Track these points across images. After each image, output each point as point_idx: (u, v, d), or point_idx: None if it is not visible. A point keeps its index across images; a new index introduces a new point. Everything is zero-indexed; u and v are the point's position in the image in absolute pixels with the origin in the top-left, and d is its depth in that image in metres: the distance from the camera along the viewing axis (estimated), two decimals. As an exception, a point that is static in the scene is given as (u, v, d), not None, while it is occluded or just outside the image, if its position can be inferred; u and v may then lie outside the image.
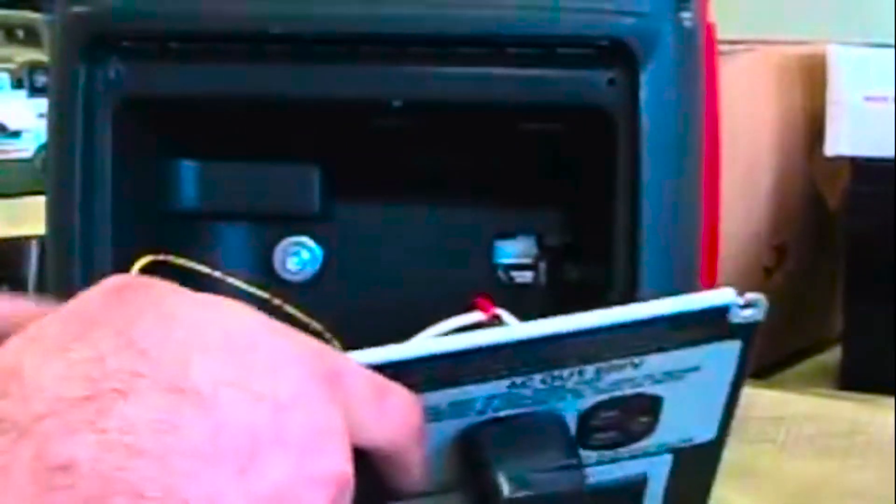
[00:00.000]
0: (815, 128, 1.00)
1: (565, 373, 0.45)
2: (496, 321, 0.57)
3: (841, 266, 1.01)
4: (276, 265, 0.71)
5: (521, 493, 0.45)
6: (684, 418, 0.49)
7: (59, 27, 0.66)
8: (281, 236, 0.71)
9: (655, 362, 0.46)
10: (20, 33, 1.51)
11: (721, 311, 0.45)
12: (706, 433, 0.50)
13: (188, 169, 0.70)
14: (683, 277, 0.63)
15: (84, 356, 0.37)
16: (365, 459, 0.42)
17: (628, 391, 0.47)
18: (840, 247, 1.02)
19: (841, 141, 0.98)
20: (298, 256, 0.71)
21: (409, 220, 0.70)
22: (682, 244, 0.63)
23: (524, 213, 0.70)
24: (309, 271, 0.71)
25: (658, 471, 0.51)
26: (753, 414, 0.85)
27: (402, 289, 0.70)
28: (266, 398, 0.38)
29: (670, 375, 0.47)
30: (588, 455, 0.49)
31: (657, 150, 0.62)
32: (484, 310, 0.57)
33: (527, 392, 0.46)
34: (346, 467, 0.40)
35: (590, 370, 0.46)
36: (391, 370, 0.43)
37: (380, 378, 0.43)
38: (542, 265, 0.70)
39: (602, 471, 0.50)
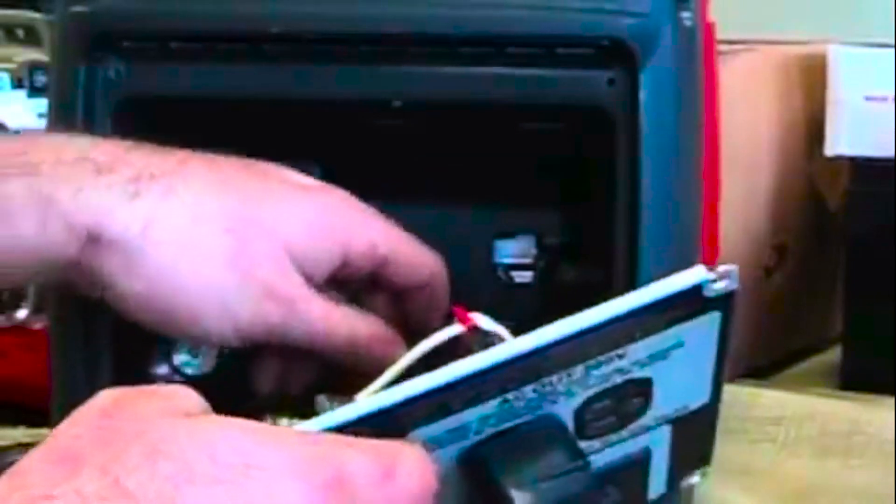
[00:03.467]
0: (815, 128, 1.00)
1: (554, 378, 0.46)
2: (475, 331, 0.57)
3: (841, 266, 1.01)
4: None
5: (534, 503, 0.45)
6: (676, 391, 0.50)
7: (59, 27, 0.66)
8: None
9: (639, 348, 0.47)
10: (20, 33, 1.51)
11: (696, 290, 0.46)
12: (700, 398, 0.51)
13: (188, 169, 0.70)
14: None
15: (68, 503, 0.37)
16: None
17: (617, 380, 0.47)
18: (840, 247, 1.02)
19: (841, 141, 0.98)
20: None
21: (409, 220, 0.70)
22: (681, 244, 0.63)
23: (524, 213, 0.69)
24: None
25: (660, 442, 0.52)
26: (753, 414, 0.85)
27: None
28: None
29: (656, 357, 0.47)
30: (589, 444, 0.49)
31: (657, 149, 0.62)
32: (462, 321, 0.57)
33: (520, 404, 0.46)
34: None
35: (578, 370, 0.46)
36: (383, 416, 0.43)
37: (383, 454, 0.42)
38: (542, 265, 0.70)
39: (606, 454, 0.50)
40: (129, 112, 0.65)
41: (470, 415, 0.45)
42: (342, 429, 0.43)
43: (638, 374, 0.48)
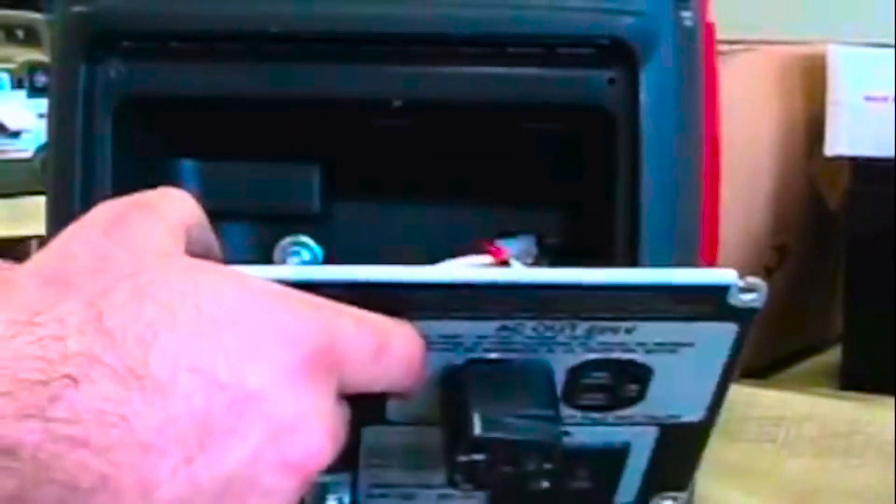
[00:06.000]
0: (815, 128, 1.00)
1: (557, 325, 0.45)
2: (505, 265, 0.58)
3: (841, 266, 1.01)
4: (276, 265, 0.71)
5: (491, 434, 0.45)
6: (673, 394, 0.49)
7: (59, 27, 0.66)
8: (281, 236, 0.71)
9: (649, 330, 0.46)
10: (20, 33, 1.51)
11: (721, 290, 0.46)
12: (694, 413, 0.50)
13: (188, 168, 0.70)
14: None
15: (48, 332, 0.37)
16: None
17: (619, 355, 0.47)
18: (840, 247, 1.02)
19: (841, 141, 0.98)
20: (298, 256, 0.71)
21: (409, 220, 0.70)
22: (682, 244, 0.63)
23: (524, 212, 0.69)
24: (309, 271, 0.71)
25: (642, 442, 0.51)
26: (753, 414, 0.85)
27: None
28: (227, 387, 0.38)
29: (663, 346, 0.47)
30: (573, 414, 0.49)
31: (657, 149, 0.62)
32: (495, 255, 0.58)
33: (517, 338, 0.46)
34: (317, 453, 0.40)
35: (582, 327, 0.46)
36: (388, 291, 0.43)
37: (378, 330, 0.42)
38: (543, 265, 0.70)
39: (586, 432, 0.50)
40: (129, 112, 0.65)
41: (467, 327, 0.45)
42: (341, 286, 0.43)
43: (641, 357, 0.47)
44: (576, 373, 0.47)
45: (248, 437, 0.39)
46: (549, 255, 0.70)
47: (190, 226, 0.44)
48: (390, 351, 0.43)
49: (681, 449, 0.52)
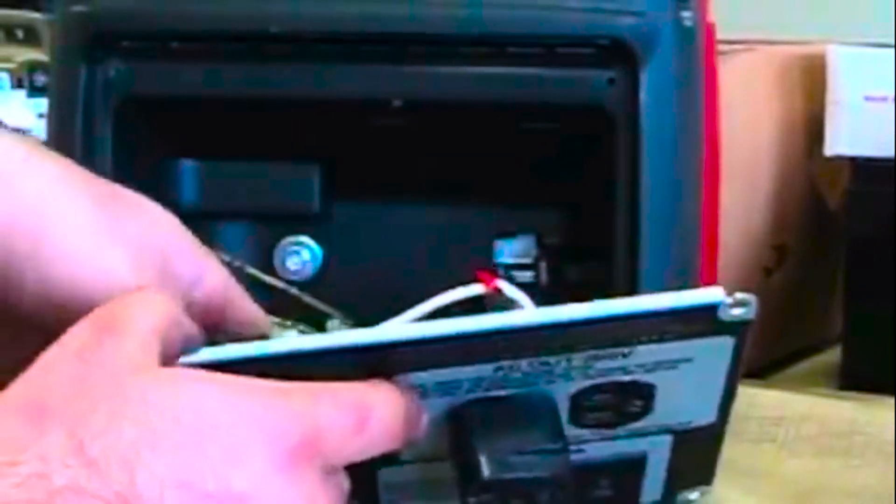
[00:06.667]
0: (815, 128, 1.00)
1: (552, 359, 0.46)
2: (497, 294, 0.57)
3: (841, 266, 1.01)
4: (276, 264, 0.71)
5: (501, 476, 0.45)
6: (680, 404, 0.50)
7: (59, 27, 0.66)
8: (281, 236, 0.71)
9: (646, 352, 0.47)
10: (20, 33, 1.51)
11: (710, 309, 0.46)
12: (705, 417, 0.51)
13: (188, 168, 0.70)
14: (683, 277, 0.63)
15: (32, 470, 0.38)
16: None
17: (619, 378, 0.47)
18: (840, 247, 1.01)
19: (841, 141, 0.98)
20: (298, 256, 0.71)
21: (409, 220, 0.70)
22: (682, 244, 0.63)
23: (524, 212, 0.70)
24: (309, 271, 0.71)
25: (658, 449, 0.51)
26: (753, 414, 0.85)
27: (401, 288, 0.70)
28: (214, 496, 0.39)
29: (662, 365, 0.47)
30: (582, 433, 0.49)
31: (657, 149, 0.62)
32: (486, 283, 0.57)
33: (515, 374, 0.46)
34: None
35: (579, 357, 0.46)
36: (378, 352, 0.43)
37: (357, 403, 0.43)
38: (543, 265, 0.70)
39: (601, 447, 0.50)
40: (129, 112, 0.65)
41: (463, 372, 0.45)
42: (331, 353, 0.43)
43: (642, 377, 0.48)
44: (579, 398, 0.48)
45: None
46: (549, 255, 0.70)
47: (162, 330, 0.44)
48: (373, 421, 0.43)
49: (698, 450, 0.52)
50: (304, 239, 0.71)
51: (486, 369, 0.46)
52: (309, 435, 0.41)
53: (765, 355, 1.01)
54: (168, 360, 0.43)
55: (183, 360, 0.44)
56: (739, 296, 0.46)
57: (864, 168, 0.97)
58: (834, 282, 1.05)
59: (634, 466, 0.52)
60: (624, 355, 0.46)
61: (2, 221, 0.46)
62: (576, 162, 0.68)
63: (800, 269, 1.05)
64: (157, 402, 0.39)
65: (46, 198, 0.47)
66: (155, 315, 0.44)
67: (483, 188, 0.69)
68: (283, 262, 0.71)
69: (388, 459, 0.48)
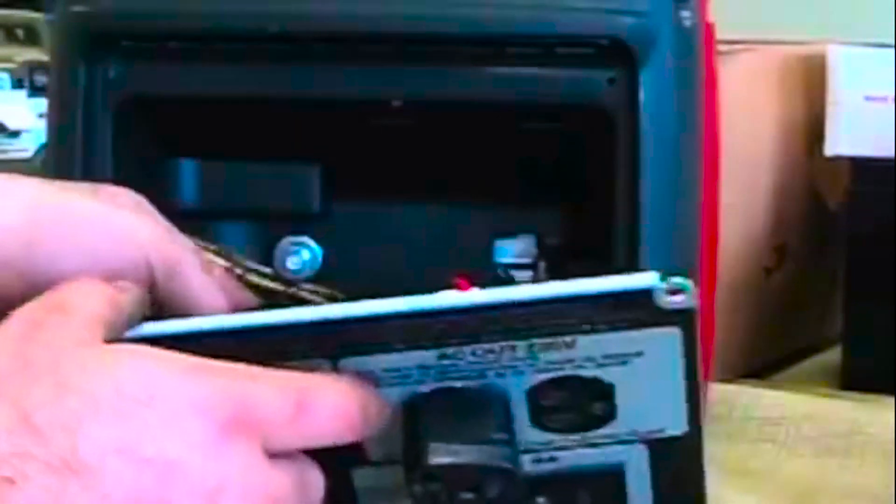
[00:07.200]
0: (815, 128, 1.00)
1: (495, 347, 0.46)
2: None
3: (841, 266, 1.01)
4: (276, 264, 0.71)
5: (443, 460, 0.45)
6: (644, 406, 0.49)
7: (59, 27, 0.66)
8: (281, 235, 0.71)
9: (590, 344, 0.46)
10: (20, 33, 1.51)
11: (645, 294, 0.45)
12: (676, 425, 0.50)
13: (188, 168, 0.70)
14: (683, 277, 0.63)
15: None
16: None
17: (571, 372, 0.47)
18: (840, 247, 1.02)
19: (841, 141, 0.98)
20: (298, 255, 0.71)
21: (409, 220, 0.70)
22: (682, 244, 0.63)
23: (524, 212, 0.70)
24: (309, 270, 0.71)
25: (636, 463, 0.51)
26: (753, 414, 0.85)
27: (401, 288, 0.70)
28: (153, 461, 0.40)
29: (611, 359, 0.47)
30: (550, 438, 0.49)
31: (657, 149, 0.62)
32: (462, 289, 0.58)
33: (461, 364, 0.46)
34: None
35: (521, 346, 0.46)
36: (318, 328, 0.44)
37: (298, 389, 0.44)
38: (542, 265, 0.70)
39: (575, 455, 0.50)
40: (129, 112, 0.65)
41: (405, 359, 0.46)
42: (274, 329, 0.44)
43: (595, 373, 0.47)
44: (535, 395, 0.48)
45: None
46: (549, 255, 0.70)
47: (104, 315, 0.45)
48: (314, 408, 0.44)
49: (681, 466, 0.52)
50: (304, 238, 0.71)
51: (429, 356, 0.46)
52: (241, 411, 0.42)
53: (765, 355, 1.01)
54: (111, 343, 0.44)
55: (127, 334, 0.45)
56: (676, 280, 0.45)
57: (864, 168, 0.97)
58: (834, 282, 1.05)
59: (614, 479, 0.51)
60: (567, 345, 0.46)
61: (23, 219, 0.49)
62: (576, 162, 0.68)
63: (800, 269, 1.05)
64: (98, 374, 0.41)
65: (44, 194, 0.50)
66: (98, 301, 0.45)
67: (483, 188, 0.69)
68: (283, 262, 0.71)
69: (358, 458, 0.48)
